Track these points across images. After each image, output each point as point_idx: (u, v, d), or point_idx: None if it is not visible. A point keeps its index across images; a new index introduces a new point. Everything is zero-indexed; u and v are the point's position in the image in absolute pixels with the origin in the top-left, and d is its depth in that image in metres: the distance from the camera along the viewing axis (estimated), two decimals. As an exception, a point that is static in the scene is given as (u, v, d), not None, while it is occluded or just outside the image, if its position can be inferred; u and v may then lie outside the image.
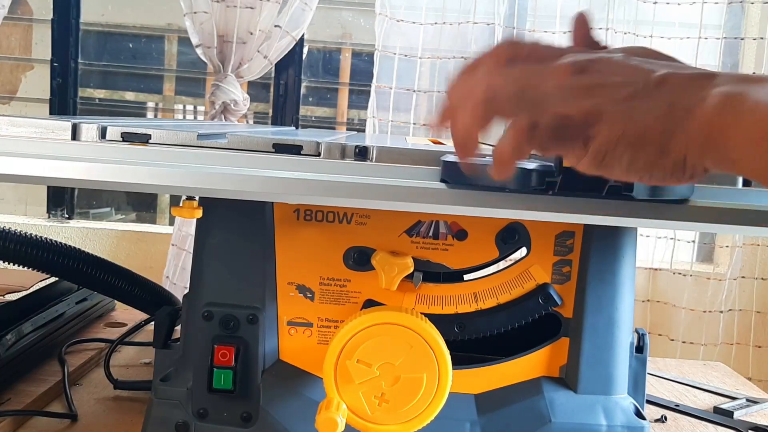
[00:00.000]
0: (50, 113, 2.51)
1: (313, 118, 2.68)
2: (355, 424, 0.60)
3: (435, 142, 0.81)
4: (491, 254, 0.65)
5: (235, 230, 0.65)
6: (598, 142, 0.40)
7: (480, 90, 0.41)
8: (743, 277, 2.24)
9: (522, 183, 0.48)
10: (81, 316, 1.02)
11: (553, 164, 0.49)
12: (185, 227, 2.20)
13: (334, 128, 2.64)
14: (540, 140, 0.41)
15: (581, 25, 0.47)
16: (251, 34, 2.17)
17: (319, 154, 0.57)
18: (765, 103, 0.34)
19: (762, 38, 2.14)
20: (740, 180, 0.55)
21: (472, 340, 0.65)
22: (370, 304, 0.65)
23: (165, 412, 0.64)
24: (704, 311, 2.23)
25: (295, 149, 0.57)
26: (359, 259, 0.65)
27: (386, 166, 0.53)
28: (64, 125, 0.57)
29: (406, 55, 2.19)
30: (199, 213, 0.62)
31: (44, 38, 2.58)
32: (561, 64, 0.41)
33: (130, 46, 2.77)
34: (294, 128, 1.75)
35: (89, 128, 0.57)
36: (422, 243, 0.65)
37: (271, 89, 2.51)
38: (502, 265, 0.67)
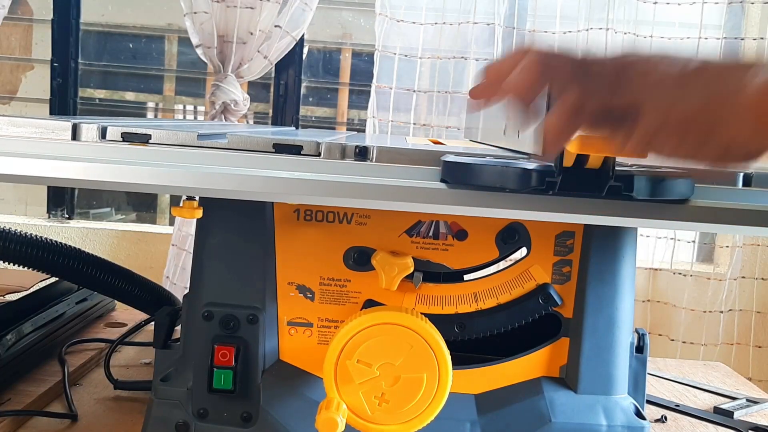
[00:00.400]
0: (50, 113, 2.51)
1: (313, 118, 2.68)
2: (355, 424, 0.60)
3: (435, 142, 0.81)
4: (491, 254, 0.65)
5: (235, 230, 0.65)
6: (642, 128, 0.41)
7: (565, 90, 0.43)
8: (743, 277, 2.24)
9: (522, 183, 0.48)
10: (81, 316, 1.02)
11: (553, 164, 0.49)
12: (185, 227, 2.20)
13: (334, 128, 2.64)
14: (588, 120, 0.42)
15: None
16: (251, 34, 2.17)
17: (319, 154, 0.57)
18: None
19: (762, 38, 2.14)
20: (740, 180, 0.55)
21: (472, 340, 0.65)
22: (370, 304, 0.65)
23: (165, 412, 0.64)
24: (704, 311, 2.23)
25: (295, 149, 0.57)
26: (359, 259, 0.65)
27: (386, 166, 0.53)
28: (64, 125, 0.57)
29: (406, 55, 2.19)
30: (199, 213, 0.62)
31: (44, 38, 2.58)
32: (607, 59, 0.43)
33: (130, 46, 2.77)
34: (294, 128, 1.75)
35: (89, 128, 0.57)
36: (422, 243, 0.65)
37: (271, 89, 2.51)
38: (502, 265, 0.67)
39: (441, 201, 0.50)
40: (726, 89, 0.39)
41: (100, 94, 2.75)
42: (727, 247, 2.26)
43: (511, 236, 0.65)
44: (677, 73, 0.41)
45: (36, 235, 0.82)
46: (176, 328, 0.70)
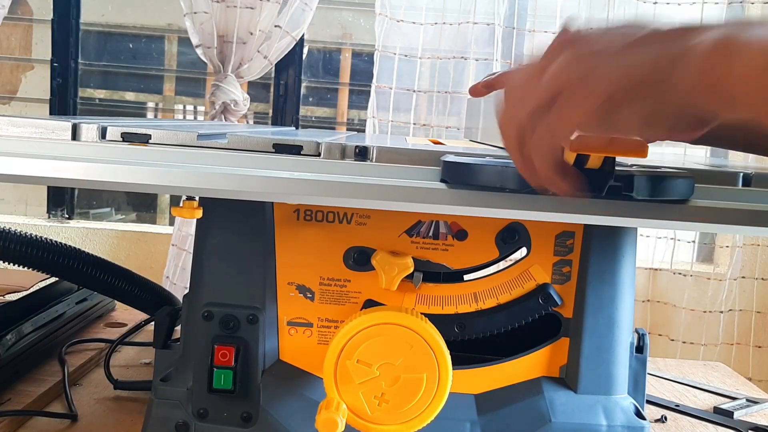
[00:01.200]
0: (50, 113, 2.51)
1: (313, 118, 2.68)
2: (355, 424, 0.60)
3: (435, 142, 0.81)
4: (491, 254, 0.65)
5: (235, 230, 0.65)
6: (593, 101, 0.39)
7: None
8: (743, 277, 2.24)
9: (522, 183, 0.48)
10: (81, 316, 1.02)
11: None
12: (185, 227, 2.20)
13: (334, 128, 2.64)
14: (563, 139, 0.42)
15: None
16: (251, 34, 2.17)
17: (319, 155, 0.57)
18: (760, 38, 0.34)
19: (762, 38, 2.14)
20: (740, 180, 0.55)
21: (472, 340, 0.65)
22: (370, 304, 0.65)
23: (165, 412, 0.64)
24: (704, 311, 2.23)
25: (295, 149, 0.57)
26: (359, 259, 0.65)
27: (386, 166, 0.53)
28: (64, 125, 0.57)
29: (406, 55, 2.19)
30: (199, 213, 0.62)
31: (44, 38, 2.58)
32: (554, 42, 0.42)
33: (130, 46, 2.77)
34: (294, 128, 1.75)
35: (89, 128, 0.57)
36: (422, 243, 0.65)
37: (271, 89, 2.51)
38: (502, 265, 0.67)
39: (441, 201, 0.50)
40: (675, 49, 0.37)
41: (100, 94, 2.76)
42: (727, 247, 2.26)
43: (511, 236, 0.65)
44: (628, 39, 0.39)
45: (36, 235, 0.82)
46: (176, 328, 0.70)
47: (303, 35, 2.30)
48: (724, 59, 0.35)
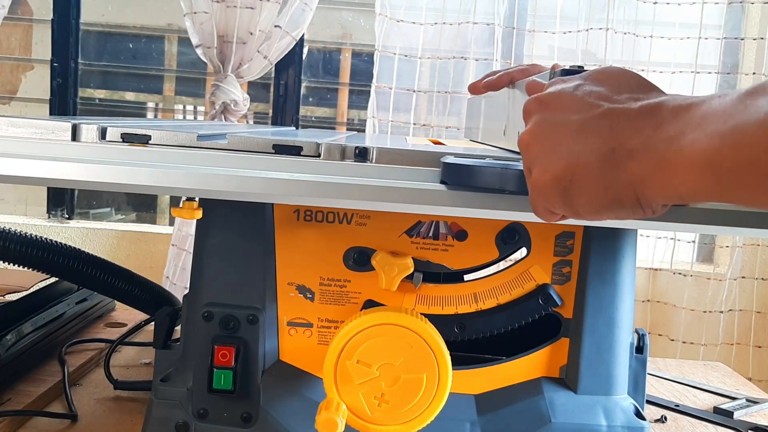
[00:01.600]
0: (50, 113, 2.51)
1: (313, 119, 2.68)
2: (355, 424, 0.60)
3: (435, 143, 0.81)
4: (491, 255, 0.65)
5: (235, 231, 0.65)
6: (553, 182, 0.41)
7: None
8: (743, 277, 2.24)
9: (522, 184, 0.48)
10: (81, 316, 1.02)
11: None
12: (185, 227, 2.20)
13: (334, 128, 2.64)
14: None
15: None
16: (251, 34, 2.17)
17: (319, 155, 0.57)
18: (702, 138, 0.34)
19: (762, 38, 2.14)
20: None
21: (472, 341, 0.65)
22: (370, 304, 0.65)
23: (165, 412, 0.64)
24: (704, 311, 2.23)
25: (295, 150, 0.57)
26: (359, 259, 0.65)
27: (386, 167, 0.53)
28: (64, 126, 0.57)
29: (406, 56, 2.19)
30: (199, 214, 0.62)
31: (44, 38, 2.58)
32: (524, 106, 0.45)
33: (130, 46, 2.77)
34: (294, 128, 1.75)
35: (89, 129, 0.57)
36: (422, 243, 0.65)
37: (271, 89, 2.51)
38: (502, 265, 0.67)
39: (441, 202, 0.50)
40: (626, 145, 0.38)
41: (100, 94, 2.75)
42: (727, 247, 2.26)
43: (511, 236, 0.65)
44: (585, 117, 0.40)
45: (36, 235, 0.82)
46: (176, 328, 0.70)
47: (303, 35, 2.30)
48: (668, 166, 0.36)
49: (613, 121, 0.39)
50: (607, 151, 0.39)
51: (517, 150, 0.47)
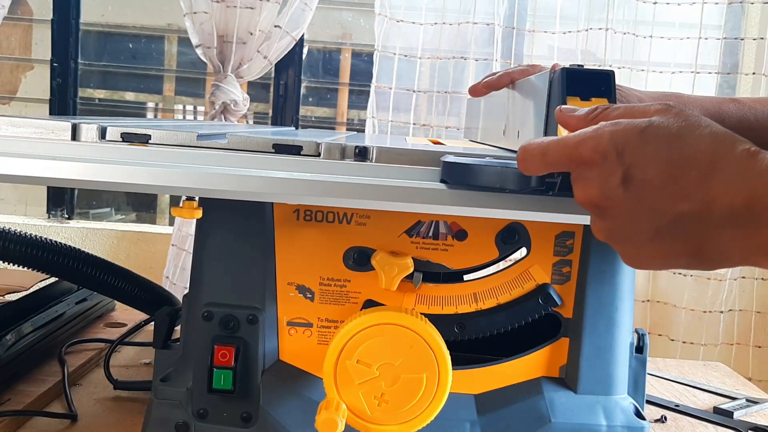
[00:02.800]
0: (50, 113, 2.51)
1: (313, 119, 2.68)
2: (355, 424, 0.60)
3: (435, 142, 0.81)
4: (491, 254, 0.65)
5: (235, 230, 0.65)
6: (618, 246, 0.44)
7: None
8: (743, 277, 2.24)
9: (522, 183, 0.48)
10: (81, 316, 1.02)
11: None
12: (185, 227, 2.20)
13: (334, 128, 2.64)
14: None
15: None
16: (251, 34, 2.17)
17: (318, 155, 0.57)
18: None
19: (762, 38, 2.14)
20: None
21: (472, 341, 0.65)
22: (370, 304, 0.65)
23: (165, 412, 0.64)
24: (704, 311, 2.23)
25: (294, 150, 0.57)
26: (359, 259, 0.65)
27: (386, 166, 0.53)
28: (64, 125, 0.57)
29: (405, 56, 2.19)
30: (199, 213, 0.62)
31: (44, 38, 2.58)
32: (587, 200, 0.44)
33: (130, 46, 2.77)
34: (294, 128, 1.75)
35: (89, 128, 0.57)
36: (422, 243, 0.65)
37: (271, 89, 2.51)
38: (502, 265, 0.67)
39: (441, 201, 0.50)
40: (711, 246, 0.40)
41: (100, 94, 2.75)
42: (727, 247, 2.26)
43: (511, 236, 0.65)
44: (656, 224, 0.41)
45: (36, 235, 0.82)
46: (176, 328, 0.70)
47: (303, 35, 2.30)
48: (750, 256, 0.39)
49: (689, 224, 0.40)
50: (695, 252, 0.41)
51: (516, 149, 0.47)
